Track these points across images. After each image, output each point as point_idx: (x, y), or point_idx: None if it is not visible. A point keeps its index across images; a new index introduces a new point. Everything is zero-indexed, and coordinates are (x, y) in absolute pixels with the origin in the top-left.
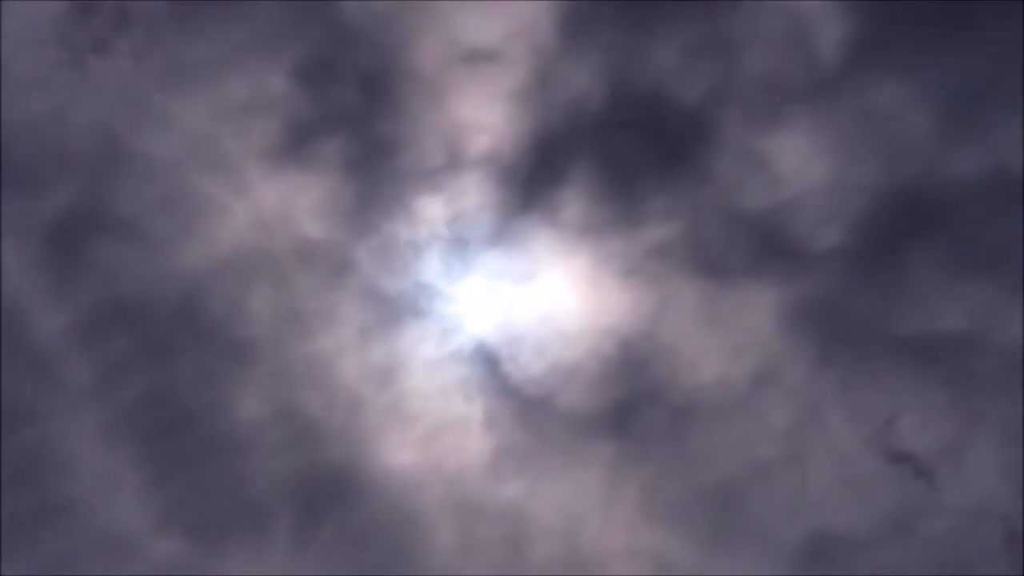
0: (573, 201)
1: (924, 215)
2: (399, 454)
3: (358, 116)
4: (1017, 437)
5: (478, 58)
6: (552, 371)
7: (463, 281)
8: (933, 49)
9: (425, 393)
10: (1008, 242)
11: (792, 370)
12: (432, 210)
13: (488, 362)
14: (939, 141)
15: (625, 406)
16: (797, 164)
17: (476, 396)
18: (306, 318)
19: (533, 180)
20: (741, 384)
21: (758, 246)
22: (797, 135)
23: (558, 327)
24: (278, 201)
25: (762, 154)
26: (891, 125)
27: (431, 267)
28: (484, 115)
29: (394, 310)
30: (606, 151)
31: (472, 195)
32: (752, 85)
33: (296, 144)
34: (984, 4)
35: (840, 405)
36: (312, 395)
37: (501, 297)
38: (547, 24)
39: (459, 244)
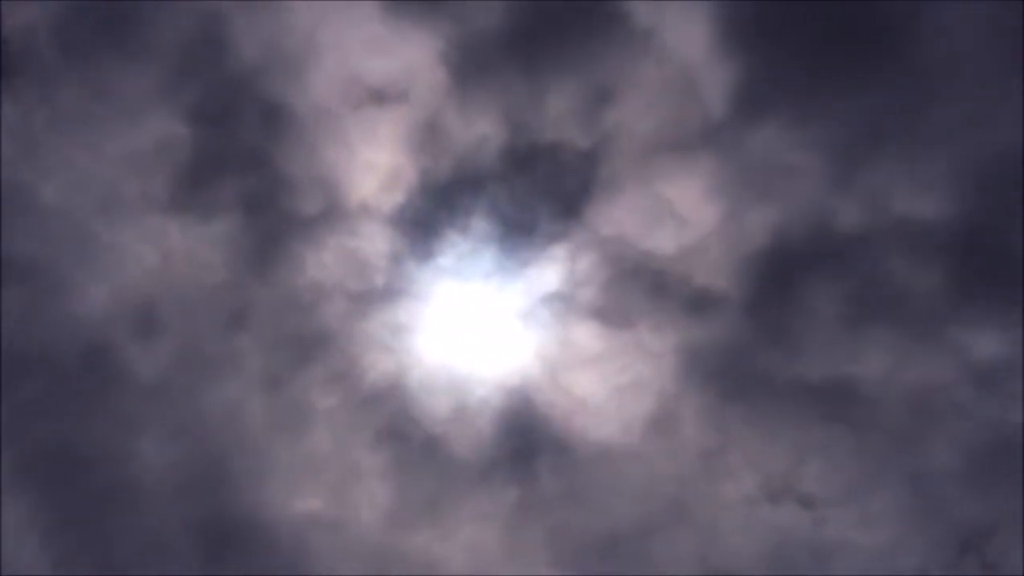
0: (471, 246)
1: (819, 261)
2: (304, 500)
3: (257, 161)
4: (920, 480)
5: (376, 102)
6: (453, 417)
7: (365, 327)
8: (816, 98)
9: (329, 439)
10: (903, 289)
11: (692, 415)
12: (333, 255)
13: (391, 409)
14: (828, 187)
15: (526, 451)
16: (691, 211)
17: (379, 442)
18: (210, 364)
19: (432, 225)
20: (640, 428)
21: (655, 292)
22: (689, 182)
23: (458, 373)
24: (180, 246)
25: (657, 201)
26: (780, 172)
27: (333, 312)
28: (383, 159)
29: (297, 356)
30: (503, 197)
31: (372, 240)
32: (645, 133)
33: (196, 189)
34: (864, 54)
35: (740, 449)
36: (217, 441)
37: (403, 343)
38: (444, 71)
39: (360, 289)
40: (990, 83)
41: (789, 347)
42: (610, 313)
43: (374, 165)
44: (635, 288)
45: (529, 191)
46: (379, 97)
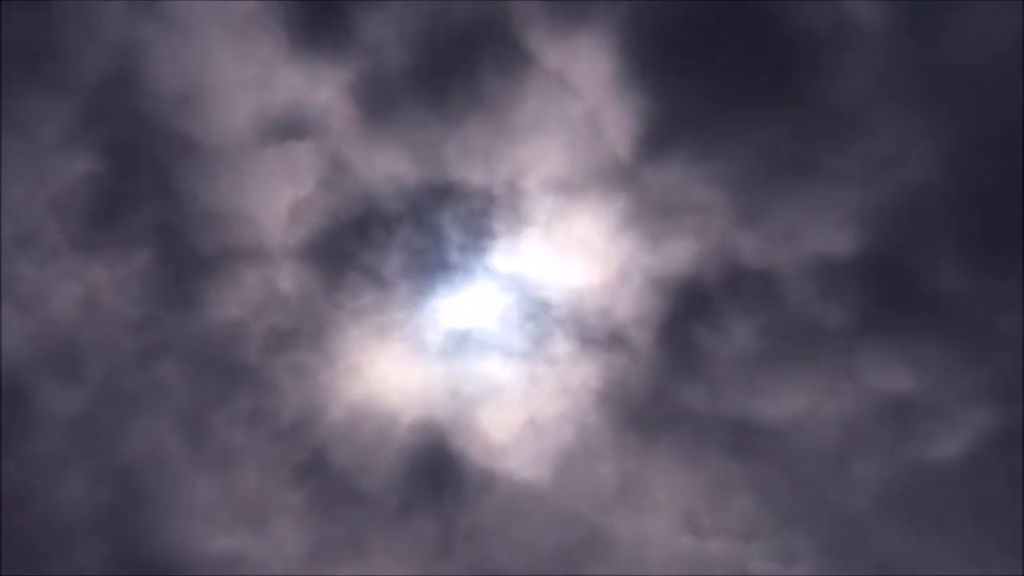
0: (384, 282)
1: (731, 297)
2: (225, 537)
3: (172, 197)
4: (840, 514)
5: (288, 138)
6: (371, 453)
7: (280, 363)
8: (725, 134)
9: (247, 476)
10: (816, 324)
11: (611, 449)
12: (248, 291)
13: (309, 446)
14: (737, 223)
15: (444, 486)
16: (602, 247)
17: (298, 479)
18: (128, 401)
19: (344, 262)
20: (559, 462)
21: (569, 327)
22: (600, 219)
23: (374, 409)
24: (96, 283)
25: (568, 238)
26: (690, 208)
27: (249, 349)
28: (295, 195)
29: (215, 393)
30: (415, 234)
31: (286, 276)
32: (554, 171)
33: (111, 226)
34: (773, 91)
35: (662, 484)
36: (137, 478)
37: (318, 380)
38: (355, 108)
39: (275, 326)
40: (898, 122)
41: (705, 382)
42: (525, 349)
43: (287, 201)
44: (550, 324)
45: (440, 228)
46: (291, 133)
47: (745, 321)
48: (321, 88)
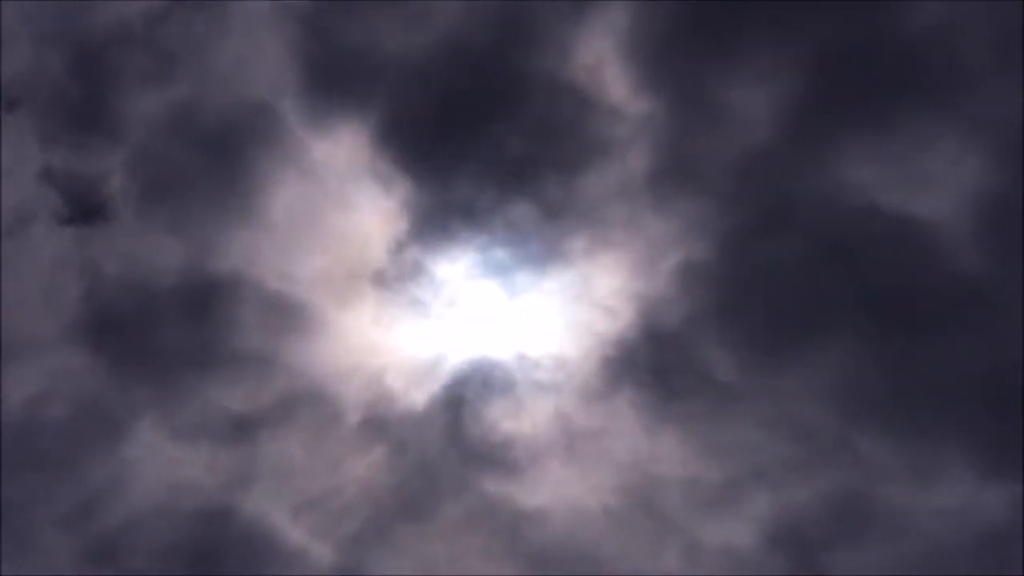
0: (169, 373)
1: (517, 385)
2: None
3: None
4: None
5: (68, 223)
6: (162, 539)
7: (73, 451)
8: (485, 227)
9: (46, 564)
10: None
11: (394, 536)
12: (33, 381)
13: (104, 533)
14: (508, 310)
15: (233, 570)
16: (380, 338)
17: (96, 567)
18: None
19: (124, 350)
20: (342, 549)
21: (351, 413)
22: (373, 311)
23: (163, 497)
24: None
25: (344, 329)
26: (460, 299)
27: (41, 435)
28: (73, 283)
29: (9, 479)
30: (194, 324)
31: (70, 366)
32: (319, 265)
33: None
34: (526, 186)
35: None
36: None
37: (109, 468)
38: (128, 196)
39: (67, 412)
40: (674, 205)
41: (495, 469)
42: (308, 434)
43: (70, 288)
44: (331, 411)
45: (222, 317)
46: (72, 218)
47: (532, 406)
48: (99, 173)
